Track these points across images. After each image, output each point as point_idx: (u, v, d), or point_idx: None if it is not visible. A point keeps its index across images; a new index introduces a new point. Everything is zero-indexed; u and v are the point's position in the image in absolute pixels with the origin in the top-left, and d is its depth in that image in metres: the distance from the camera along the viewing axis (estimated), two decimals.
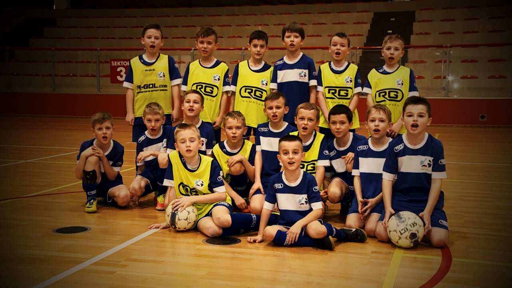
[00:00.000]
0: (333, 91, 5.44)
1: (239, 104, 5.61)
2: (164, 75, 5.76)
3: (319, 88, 5.49)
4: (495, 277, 3.51)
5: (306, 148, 4.94)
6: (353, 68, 5.48)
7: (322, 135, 5.04)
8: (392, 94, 5.22)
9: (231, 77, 5.76)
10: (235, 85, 5.67)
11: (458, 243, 4.16)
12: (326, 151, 4.97)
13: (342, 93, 5.42)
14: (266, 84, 5.60)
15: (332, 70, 5.47)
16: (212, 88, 5.69)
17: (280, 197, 4.28)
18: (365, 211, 4.45)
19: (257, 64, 5.66)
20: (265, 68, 5.67)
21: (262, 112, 5.53)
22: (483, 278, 3.48)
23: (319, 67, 5.56)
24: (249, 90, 5.60)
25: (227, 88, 5.72)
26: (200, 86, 5.66)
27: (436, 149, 4.22)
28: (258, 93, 5.59)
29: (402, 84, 5.22)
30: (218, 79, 5.70)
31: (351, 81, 5.42)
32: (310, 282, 3.38)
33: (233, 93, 5.71)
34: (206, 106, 5.59)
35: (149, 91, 5.73)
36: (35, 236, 4.32)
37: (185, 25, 21.21)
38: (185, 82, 5.78)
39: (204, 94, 5.59)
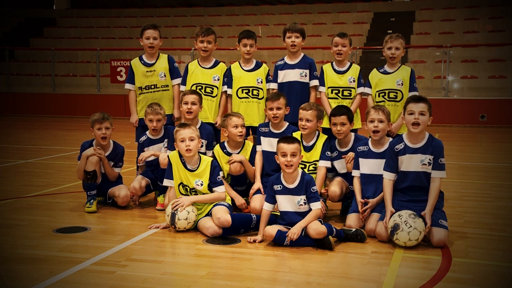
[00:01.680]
0: (336, 91, 5.44)
1: (238, 105, 5.58)
2: (165, 75, 5.74)
3: (321, 89, 5.49)
4: (495, 277, 3.51)
5: (309, 149, 4.94)
6: (356, 68, 5.48)
7: (325, 136, 5.04)
8: (391, 95, 5.22)
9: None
10: (231, 87, 5.65)
11: (458, 243, 4.16)
12: (328, 152, 4.96)
13: (346, 93, 5.42)
14: (262, 82, 5.60)
15: (334, 70, 5.47)
16: (212, 89, 5.67)
17: (279, 198, 4.27)
18: (365, 211, 4.45)
19: (248, 64, 5.65)
20: (257, 66, 5.66)
21: (263, 110, 5.52)
22: (483, 278, 3.48)
23: (321, 67, 5.55)
24: (246, 90, 5.59)
25: (226, 88, 5.71)
26: (200, 87, 5.64)
27: (437, 148, 4.23)
28: (255, 92, 5.58)
29: (402, 84, 5.21)
30: (218, 80, 5.69)
31: (354, 81, 5.42)
32: (310, 282, 3.38)
33: (229, 95, 5.68)
34: (207, 106, 5.59)
35: (151, 92, 5.71)
36: (35, 236, 4.32)
37: (185, 25, 21.19)
38: (184, 83, 5.75)
39: (204, 94, 5.59)
